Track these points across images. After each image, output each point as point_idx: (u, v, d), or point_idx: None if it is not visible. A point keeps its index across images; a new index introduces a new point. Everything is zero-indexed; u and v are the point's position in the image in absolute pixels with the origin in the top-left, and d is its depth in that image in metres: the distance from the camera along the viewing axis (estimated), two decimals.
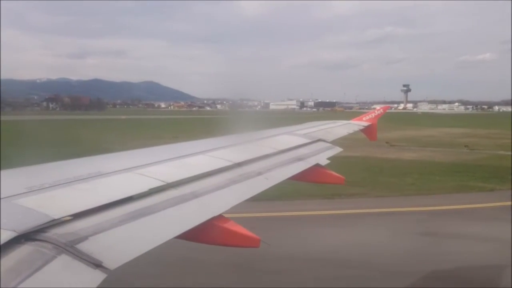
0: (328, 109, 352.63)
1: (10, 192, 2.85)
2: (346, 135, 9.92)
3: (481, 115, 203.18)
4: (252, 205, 17.85)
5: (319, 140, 7.84)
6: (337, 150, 7.64)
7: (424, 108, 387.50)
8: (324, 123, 10.71)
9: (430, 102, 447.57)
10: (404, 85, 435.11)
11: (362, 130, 11.52)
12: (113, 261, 2.28)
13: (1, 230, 2.21)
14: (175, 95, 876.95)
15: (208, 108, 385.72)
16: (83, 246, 2.31)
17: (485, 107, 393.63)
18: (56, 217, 2.54)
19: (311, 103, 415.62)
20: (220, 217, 3.58)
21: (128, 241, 2.63)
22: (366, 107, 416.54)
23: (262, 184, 4.57)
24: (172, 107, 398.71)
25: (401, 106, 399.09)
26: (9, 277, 1.90)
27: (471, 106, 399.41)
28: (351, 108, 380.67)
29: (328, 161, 6.65)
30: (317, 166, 6.21)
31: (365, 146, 43.14)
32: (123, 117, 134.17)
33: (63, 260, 2.14)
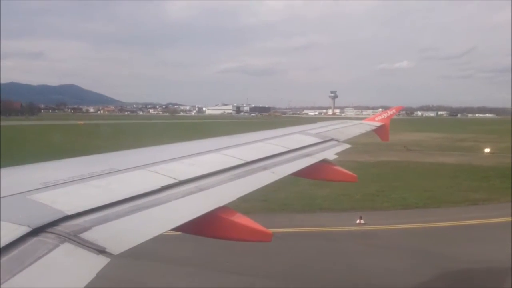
0: (265, 114, 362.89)
1: (25, 187, 2.92)
2: (358, 134, 9.92)
3: (412, 120, 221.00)
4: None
5: (331, 139, 7.80)
6: (345, 146, 7.63)
7: (350, 113, 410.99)
8: (336, 123, 10.73)
9: (356, 108, 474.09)
10: (331, 92, 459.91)
11: (374, 131, 11.53)
12: (117, 247, 2.39)
13: (16, 225, 2.30)
14: (98, 99, 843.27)
15: (140, 113, 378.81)
16: (87, 235, 2.41)
17: (403, 112, 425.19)
18: (69, 213, 2.62)
19: (247, 108, 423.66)
20: (227, 210, 3.60)
21: (132, 230, 2.72)
22: (298, 112, 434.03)
23: (268, 178, 4.62)
24: (101, 111, 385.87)
25: (330, 111, 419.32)
26: (11, 265, 1.98)
27: None
28: (285, 113, 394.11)
29: (336, 156, 6.62)
30: (325, 161, 6.24)
31: (385, 151, 48.85)
32: (81, 122, 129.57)
33: (66, 248, 2.25)
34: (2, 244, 2.08)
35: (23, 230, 2.26)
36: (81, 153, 4.85)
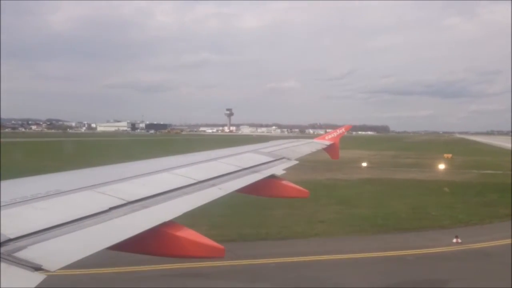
0: (164, 131, 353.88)
1: None
2: (309, 153, 10.15)
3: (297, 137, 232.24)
4: None
5: (283, 158, 7.90)
6: (292, 162, 7.82)
7: (246, 131, 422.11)
8: (288, 142, 11.09)
9: (251, 125, 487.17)
10: (227, 109, 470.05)
11: (324, 149, 11.83)
12: (54, 264, 2.40)
13: None
14: None
15: (22, 130, 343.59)
16: (22, 254, 2.41)
17: (297, 130, 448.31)
18: (12, 236, 2.56)
19: (143, 125, 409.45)
20: (174, 225, 3.50)
21: (69, 248, 2.69)
22: (195, 130, 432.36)
23: (215, 194, 4.58)
24: None
25: (226, 128, 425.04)
26: None
27: (286, 129, 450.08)
28: (182, 130, 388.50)
29: (284, 172, 6.68)
30: (273, 177, 6.24)
31: (339, 169, 51.11)
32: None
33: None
34: None
35: None
36: None
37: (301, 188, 6.37)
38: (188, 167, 5.50)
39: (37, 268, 2.31)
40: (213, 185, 4.85)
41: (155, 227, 3.31)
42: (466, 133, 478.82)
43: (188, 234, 3.48)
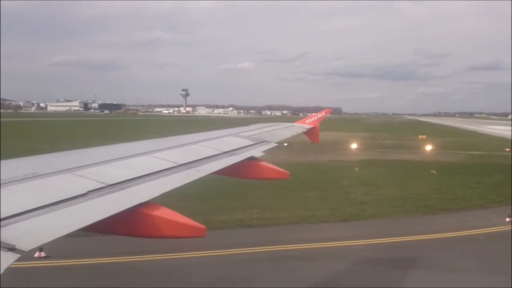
0: (120, 111, 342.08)
1: None
2: (290, 137, 10.22)
3: (259, 120, 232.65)
4: None
5: (263, 141, 7.90)
6: (271, 145, 7.87)
7: (203, 112, 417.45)
8: (268, 125, 11.04)
9: (207, 106, 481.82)
10: (183, 90, 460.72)
11: (305, 133, 11.81)
12: (27, 244, 2.41)
13: None
14: None
15: None
16: None
17: (253, 111, 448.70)
18: None
19: (95, 105, 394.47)
20: (153, 206, 3.47)
21: (43, 228, 2.69)
22: (151, 110, 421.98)
23: (192, 175, 4.58)
24: None
25: (183, 110, 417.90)
26: None
27: (242, 111, 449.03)
28: (138, 111, 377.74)
29: (262, 154, 6.69)
30: (252, 159, 6.25)
31: (329, 151, 52.49)
32: None
33: None
34: None
35: None
36: None
37: (281, 169, 6.41)
38: (168, 151, 5.47)
39: (10, 249, 2.30)
40: (190, 167, 4.84)
41: (132, 208, 3.27)
42: (414, 114, 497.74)
43: (167, 214, 3.44)
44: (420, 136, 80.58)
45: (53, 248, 14.49)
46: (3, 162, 3.90)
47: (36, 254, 15.07)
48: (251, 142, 7.47)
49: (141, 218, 3.32)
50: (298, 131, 11.25)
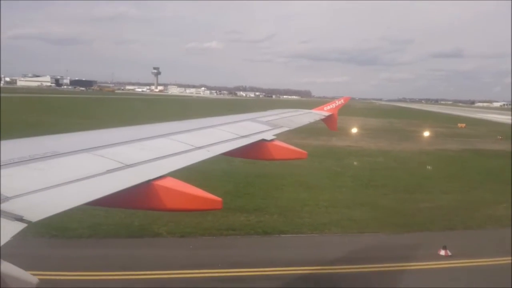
0: (95, 89, 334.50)
1: None
2: (308, 123, 10.17)
3: (248, 101, 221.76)
4: None
5: (281, 127, 7.89)
6: (284, 129, 7.86)
7: (174, 91, 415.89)
8: (286, 111, 10.99)
9: (179, 85, 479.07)
10: (154, 68, 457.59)
11: (323, 120, 11.70)
12: (35, 215, 2.51)
13: None
14: None
15: None
16: (3, 206, 2.49)
17: (225, 92, 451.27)
18: (10, 195, 2.63)
19: (67, 81, 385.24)
20: (170, 180, 3.54)
21: (53, 201, 2.75)
22: (122, 88, 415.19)
23: (203, 155, 4.71)
24: None
25: (156, 89, 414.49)
26: None
27: (214, 91, 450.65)
28: (107, 87, 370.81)
29: (274, 137, 6.63)
30: (263, 141, 6.32)
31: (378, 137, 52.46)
32: None
33: None
34: None
35: None
36: None
37: (297, 149, 6.62)
38: (186, 134, 5.61)
39: (18, 219, 2.42)
40: (201, 146, 5.05)
41: (148, 181, 3.42)
42: (380, 100, 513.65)
43: (183, 186, 3.58)
44: (460, 125, 77.97)
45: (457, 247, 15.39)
46: (24, 140, 4.20)
47: (442, 253, 15.38)
48: (268, 127, 7.52)
49: (157, 191, 3.42)
50: (316, 118, 11.27)
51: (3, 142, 3.83)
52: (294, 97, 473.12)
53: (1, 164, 3.06)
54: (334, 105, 12.62)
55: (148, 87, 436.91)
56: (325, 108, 12.47)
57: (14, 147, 3.83)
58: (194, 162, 4.30)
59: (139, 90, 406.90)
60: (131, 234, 16.34)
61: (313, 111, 12.13)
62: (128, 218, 17.31)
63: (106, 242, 15.86)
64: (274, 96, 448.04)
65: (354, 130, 55.49)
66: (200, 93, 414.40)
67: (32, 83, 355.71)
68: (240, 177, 25.88)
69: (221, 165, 24.41)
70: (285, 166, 26.99)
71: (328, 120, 11.91)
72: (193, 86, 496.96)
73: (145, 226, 16.90)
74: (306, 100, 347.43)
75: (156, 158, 4.06)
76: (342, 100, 13.12)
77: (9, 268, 2.24)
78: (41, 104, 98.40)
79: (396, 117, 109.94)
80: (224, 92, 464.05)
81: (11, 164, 3.12)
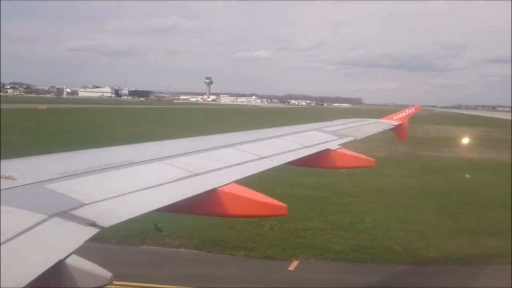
0: (154, 99, 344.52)
1: (43, 177, 3.04)
2: (375, 133, 9.93)
3: (302, 109, 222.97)
4: None
5: (347, 136, 7.86)
6: (349, 138, 7.81)
7: (226, 100, 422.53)
8: (352, 121, 10.88)
9: (230, 94, 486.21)
10: (206, 78, 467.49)
11: (392, 129, 11.39)
12: (107, 221, 2.64)
13: (32, 213, 2.45)
14: None
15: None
16: (78, 212, 2.63)
17: (276, 100, 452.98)
18: (86, 202, 2.78)
19: (126, 91, 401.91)
20: (236, 187, 3.66)
21: (125, 207, 2.91)
22: (176, 98, 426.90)
23: (266, 165, 4.84)
24: None
25: (208, 98, 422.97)
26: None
27: (265, 100, 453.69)
28: (164, 97, 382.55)
29: (339, 147, 6.62)
30: (328, 150, 6.35)
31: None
32: (42, 107, 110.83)
33: (55, 221, 2.45)
34: (18, 231, 2.24)
35: (39, 218, 2.44)
36: None
37: (365, 157, 6.67)
38: (251, 144, 5.72)
39: (91, 224, 2.55)
40: (264, 156, 5.18)
41: (213, 189, 3.56)
42: (435, 106, 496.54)
43: (248, 193, 3.68)
44: None
45: None
46: (102, 150, 4.49)
47: None
48: (334, 137, 7.47)
49: (222, 197, 3.53)
50: (385, 128, 10.97)
51: (84, 151, 4.29)
52: (345, 104, 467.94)
53: (81, 172, 3.31)
54: (404, 114, 12.38)
55: (201, 96, 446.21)
56: (394, 117, 12.25)
57: (94, 156, 4.15)
58: (258, 171, 4.52)
59: (193, 99, 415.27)
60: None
61: (381, 120, 12.05)
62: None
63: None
64: (325, 104, 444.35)
65: (465, 141, 53.94)
66: (251, 102, 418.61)
67: (93, 94, 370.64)
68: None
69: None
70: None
71: (397, 129, 11.65)
72: (244, 95, 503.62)
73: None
74: (358, 108, 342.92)
75: (222, 167, 4.29)
76: (412, 109, 12.86)
77: (81, 263, 2.26)
78: (120, 115, 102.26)
79: (476, 125, 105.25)
80: (275, 100, 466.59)
81: (89, 172, 3.37)
